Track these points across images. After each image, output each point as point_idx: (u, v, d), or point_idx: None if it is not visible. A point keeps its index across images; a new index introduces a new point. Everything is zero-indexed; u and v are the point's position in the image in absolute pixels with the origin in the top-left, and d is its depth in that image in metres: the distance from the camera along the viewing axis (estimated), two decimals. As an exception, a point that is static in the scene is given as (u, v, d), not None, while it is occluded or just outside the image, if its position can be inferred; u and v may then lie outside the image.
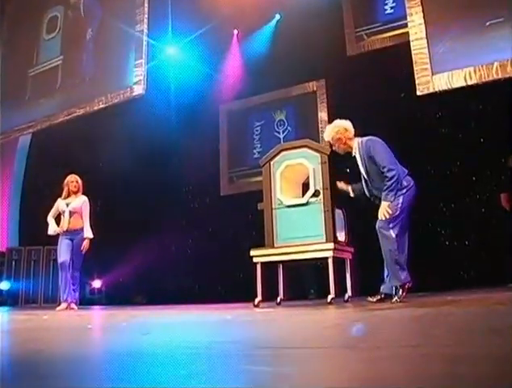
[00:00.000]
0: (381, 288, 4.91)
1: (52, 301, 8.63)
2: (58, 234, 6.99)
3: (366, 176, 4.97)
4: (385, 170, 4.73)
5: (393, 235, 4.68)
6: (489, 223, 6.93)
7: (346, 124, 5.10)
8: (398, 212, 4.70)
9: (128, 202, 9.89)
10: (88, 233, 6.90)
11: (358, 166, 5.06)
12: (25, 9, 9.67)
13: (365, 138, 5.01)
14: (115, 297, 9.77)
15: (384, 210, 4.69)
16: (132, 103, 7.87)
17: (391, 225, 4.69)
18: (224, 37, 9.72)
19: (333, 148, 5.18)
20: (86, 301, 9.18)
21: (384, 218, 4.68)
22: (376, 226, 4.76)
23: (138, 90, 7.38)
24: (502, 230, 6.59)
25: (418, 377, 1.24)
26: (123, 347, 2.22)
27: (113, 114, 8.50)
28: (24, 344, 2.44)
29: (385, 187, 4.72)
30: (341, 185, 5.30)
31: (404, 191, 4.78)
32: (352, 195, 5.27)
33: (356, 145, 5.01)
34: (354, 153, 5.07)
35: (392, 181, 4.70)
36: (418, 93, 6.26)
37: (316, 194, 5.22)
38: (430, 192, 7.24)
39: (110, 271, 10.05)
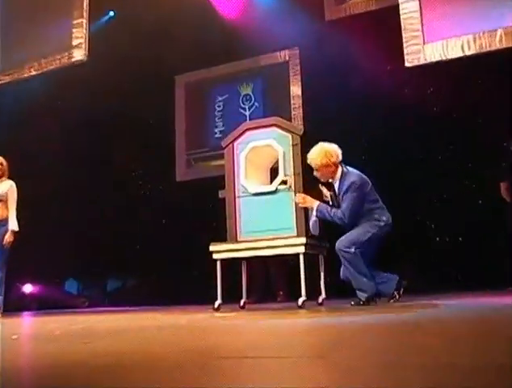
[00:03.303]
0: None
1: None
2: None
3: (335, 201, 5.24)
4: (340, 214, 5.05)
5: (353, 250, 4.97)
6: (487, 216, 7.01)
7: (335, 148, 5.24)
8: (366, 238, 4.98)
9: (64, 189, 9.72)
10: (13, 224, 6.71)
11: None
12: None
13: (353, 172, 5.19)
14: (49, 301, 9.63)
15: (302, 198, 5.09)
16: (70, 70, 7.71)
17: (352, 248, 4.96)
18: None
19: (316, 173, 5.26)
20: (14, 305, 8.99)
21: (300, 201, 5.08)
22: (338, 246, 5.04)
23: (78, 55, 7.24)
24: (502, 224, 6.65)
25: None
26: (57, 358, 2.19)
27: (46, 82, 8.32)
28: None
29: (334, 216, 5.06)
30: (324, 190, 5.38)
31: (383, 224, 5.08)
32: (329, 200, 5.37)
33: (340, 174, 5.19)
34: (335, 181, 5.24)
35: (338, 221, 5.07)
36: (407, 64, 6.29)
37: (285, 182, 5.22)
38: (419, 181, 7.32)
39: (44, 271, 9.89)
